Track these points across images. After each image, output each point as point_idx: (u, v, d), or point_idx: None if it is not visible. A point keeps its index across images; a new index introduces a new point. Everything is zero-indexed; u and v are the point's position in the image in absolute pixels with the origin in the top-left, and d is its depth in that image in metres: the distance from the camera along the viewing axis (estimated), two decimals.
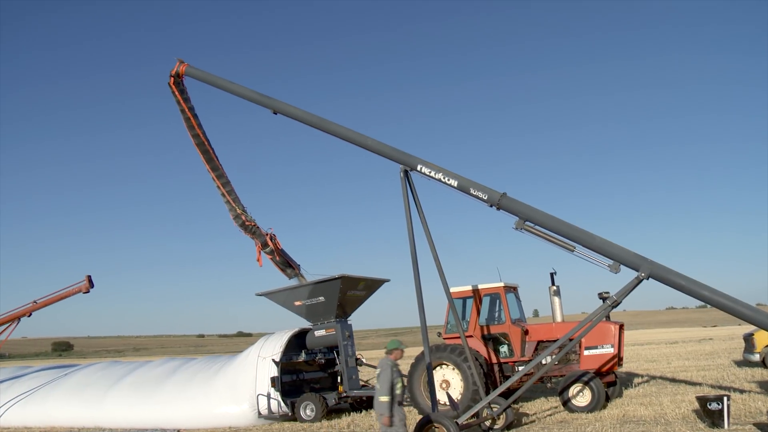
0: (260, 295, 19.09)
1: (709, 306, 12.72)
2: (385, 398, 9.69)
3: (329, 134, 15.32)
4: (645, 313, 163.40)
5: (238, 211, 19.32)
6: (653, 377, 22.38)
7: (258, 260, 19.49)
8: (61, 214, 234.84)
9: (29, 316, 20.74)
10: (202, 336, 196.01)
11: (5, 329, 20.85)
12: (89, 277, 20.48)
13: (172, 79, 18.45)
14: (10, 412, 20.52)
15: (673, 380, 21.00)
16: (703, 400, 12.45)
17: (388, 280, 19.57)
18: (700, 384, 19.18)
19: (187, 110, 18.88)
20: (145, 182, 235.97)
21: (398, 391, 9.89)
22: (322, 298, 18.07)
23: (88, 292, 20.42)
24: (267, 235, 19.48)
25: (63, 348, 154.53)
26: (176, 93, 18.62)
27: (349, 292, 18.12)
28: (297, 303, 18.58)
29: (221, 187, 19.46)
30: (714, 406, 12.13)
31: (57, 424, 19.49)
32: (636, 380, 21.68)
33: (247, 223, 19.29)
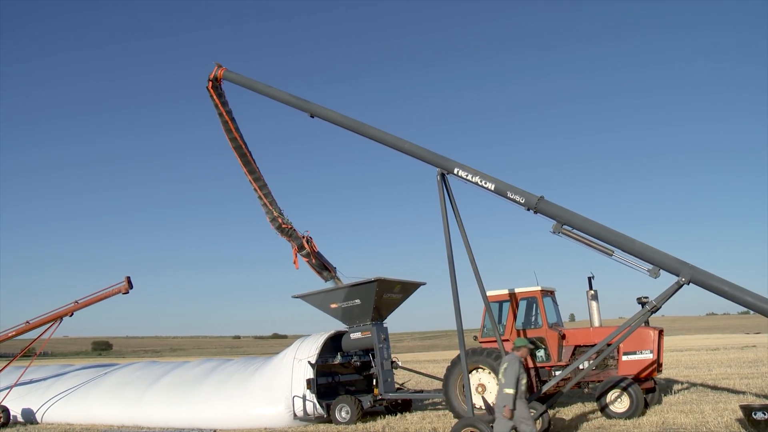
0: (296, 297, 19.18)
1: (752, 312, 12.42)
2: (510, 390, 10.36)
3: (366, 137, 15.34)
4: (685, 318, 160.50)
5: (275, 213, 19.39)
6: (694, 384, 21.94)
7: (294, 263, 19.56)
8: (102, 216, 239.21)
9: (71, 315, 21.08)
10: (238, 337, 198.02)
11: (48, 328, 21.24)
12: (128, 278, 20.75)
13: (211, 83, 18.63)
14: (52, 409, 20.94)
15: (714, 388, 20.56)
16: (747, 409, 12.16)
17: (424, 284, 19.50)
18: (743, 392, 18.75)
19: (225, 114, 19.04)
20: (182, 185, 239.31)
21: (522, 387, 10.61)
22: (358, 301, 18.09)
23: (127, 293, 20.68)
24: (303, 237, 19.51)
25: (102, 347, 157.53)
26: (214, 97, 18.78)
27: (385, 295, 18.09)
28: (333, 305, 18.62)
29: (258, 190, 19.56)
30: (759, 415, 11.83)
31: (97, 421, 19.83)
32: (676, 387, 21.29)
33: (283, 226, 19.35)
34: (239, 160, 19.46)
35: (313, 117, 16.15)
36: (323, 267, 19.79)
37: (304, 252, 19.47)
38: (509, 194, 13.37)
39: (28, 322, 21.29)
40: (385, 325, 18.64)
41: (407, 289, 18.85)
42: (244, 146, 19.40)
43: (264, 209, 19.67)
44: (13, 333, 21.36)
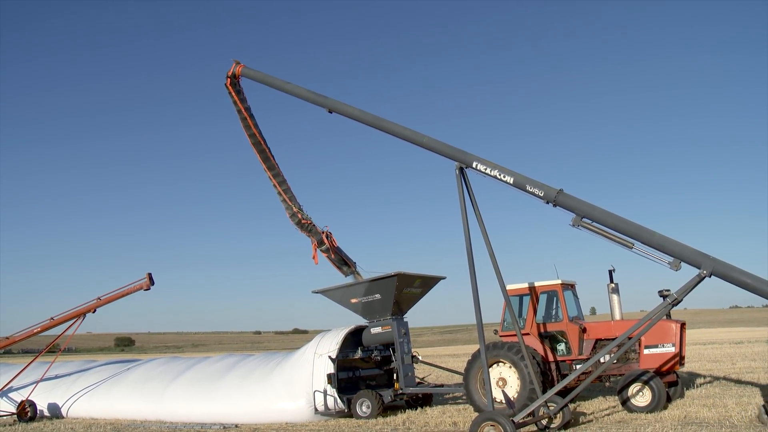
0: (316, 292, 19.24)
1: None
2: None
3: (385, 132, 15.32)
4: (707, 311, 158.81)
5: (294, 209, 19.40)
6: (717, 378, 21.73)
7: (314, 258, 19.58)
8: (124, 213, 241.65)
9: (94, 312, 21.22)
10: (259, 333, 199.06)
11: (71, 324, 21.47)
12: (150, 274, 20.89)
13: (229, 80, 18.69)
14: (77, 404, 21.21)
15: (738, 382, 20.36)
16: None
17: (444, 278, 19.46)
18: None
19: (243, 110, 19.10)
20: (203, 182, 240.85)
21: None
22: (378, 296, 18.10)
23: (148, 289, 20.83)
24: (323, 233, 19.48)
25: (125, 343, 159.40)
26: (233, 94, 18.84)
27: (404, 290, 18.08)
28: (353, 300, 18.64)
29: (277, 186, 19.61)
30: None
31: (121, 416, 20.04)
32: (698, 381, 21.11)
33: (303, 222, 19.37)
34: (258, 156, 19.51)
35: (331, 112, 16.13)
36: (343, 262, 19.76)
37: (323, 247, 19.47)
38: (528, 187, 13.30)
39: (52, 318, 21.51)
40: (405, 320, 18.66)
41: (427, 283, 18.83)
42: (263, 142, 19.45)
43: (284, 205, 19.71)
44: (38, 329, 21.63)
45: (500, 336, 17.32)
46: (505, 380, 15.84)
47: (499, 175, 13.54)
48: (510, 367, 15.77)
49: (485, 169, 13.70)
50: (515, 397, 15.34)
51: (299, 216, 19.45)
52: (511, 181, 13.42)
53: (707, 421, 13.17)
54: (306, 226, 19.50)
